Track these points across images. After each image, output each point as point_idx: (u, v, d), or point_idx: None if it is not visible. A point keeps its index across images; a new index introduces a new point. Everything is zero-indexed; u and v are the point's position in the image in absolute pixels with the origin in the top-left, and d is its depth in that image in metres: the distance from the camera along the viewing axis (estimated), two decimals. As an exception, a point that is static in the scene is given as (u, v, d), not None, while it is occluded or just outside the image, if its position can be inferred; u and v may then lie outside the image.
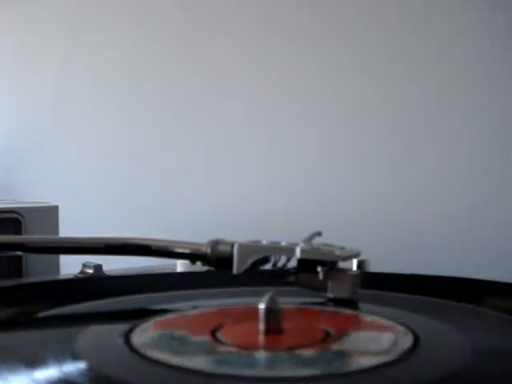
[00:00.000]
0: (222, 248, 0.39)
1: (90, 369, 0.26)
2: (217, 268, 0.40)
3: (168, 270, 0.53)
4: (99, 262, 0.51)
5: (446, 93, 0.62)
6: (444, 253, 0.61)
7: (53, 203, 0.67)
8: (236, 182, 0.78)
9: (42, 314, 0.36)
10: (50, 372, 0.25)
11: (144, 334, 0.31)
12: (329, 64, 0.70)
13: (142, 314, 0.35)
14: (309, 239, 0.39)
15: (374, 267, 0.47)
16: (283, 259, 0.39)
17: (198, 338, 0.30)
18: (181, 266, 0.51)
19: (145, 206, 0.89)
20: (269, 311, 0.30)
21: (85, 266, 0.52)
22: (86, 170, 0.97)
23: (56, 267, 0.63)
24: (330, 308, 0.37)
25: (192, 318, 0.35)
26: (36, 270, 0.61)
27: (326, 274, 0.38)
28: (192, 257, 0.41)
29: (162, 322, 0.34)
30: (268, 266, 0.39)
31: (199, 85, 0.83)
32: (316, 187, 0.71)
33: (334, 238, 0.40)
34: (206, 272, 0.44)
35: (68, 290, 0.44)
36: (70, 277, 0.50)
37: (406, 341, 0.29)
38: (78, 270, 0.52)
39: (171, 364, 0.26)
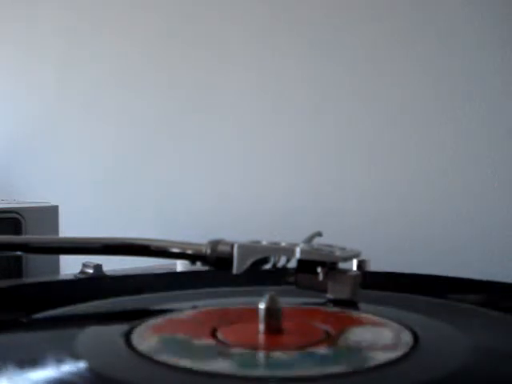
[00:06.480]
0: (221, 248, 0.39)
1: (90, 369, 0.26)
2: (217, 268, 0.40)
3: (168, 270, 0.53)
4: (99, 262, 0.51)
5: (447, 92, 0.62)
6: (444, 253, 0.61)
7: (53, 203, 0.67)
8: (235, 182, 0.78)
9: (41, 314, 0.36)
10: (50, 372, 0.25)
11: (144, 334, 0.31)
12: (322, 65, 0.70)
13: (143, 314, 0.35)
14: (309, 239, 0.39)
15: (374, 267, 0.47)
16: (283, 260, 0.39)
17: (198, 338, 0.30)
18: (181, 266, 0.51)
19: (145, 206, 0.89)
20: (269, 311, 0.30)
21: (85, 265, 0.52)
22: (85, 169, 0.97)
23: (56, 267, 0.63)
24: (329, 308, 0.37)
25: (191, 317, 0.35)
26: (36, 270, 0.61)
27: (326, 274, 0.38)
28: (192, 257, 0.40)
29: (162, 322, 0.34)
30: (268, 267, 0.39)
31: (198, 86, 0.83)
32: (316, 187, 0.71)
33: (334, 238, 0.40)
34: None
35: (68, 290, 0.44)
36: (70, 277, 0.50)
37: (406, 340, 0.29)
38: (78, 270, 0.52)
39: (171, 364, 0.26)
